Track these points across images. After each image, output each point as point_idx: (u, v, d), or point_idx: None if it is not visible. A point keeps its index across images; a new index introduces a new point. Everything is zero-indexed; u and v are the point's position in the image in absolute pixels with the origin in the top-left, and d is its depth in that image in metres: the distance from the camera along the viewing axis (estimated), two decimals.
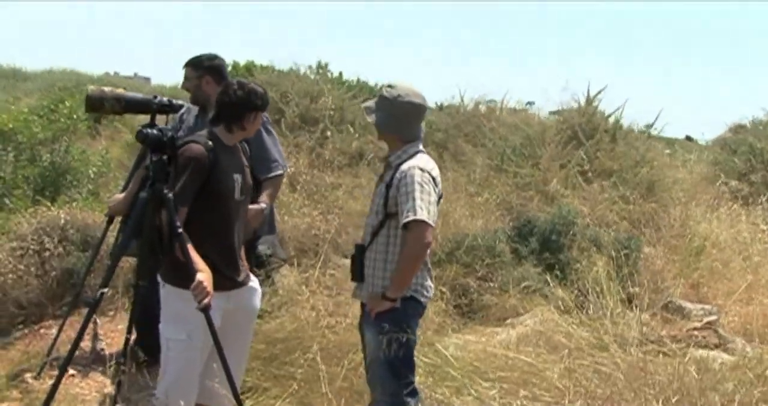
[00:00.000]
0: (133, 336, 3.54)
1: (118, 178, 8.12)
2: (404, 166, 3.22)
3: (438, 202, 3.27)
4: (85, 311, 5.17)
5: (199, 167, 3.22)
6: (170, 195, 3.17)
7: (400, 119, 3.31)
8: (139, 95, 4.57)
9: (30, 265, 5.16)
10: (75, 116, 7.70)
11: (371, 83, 12.39)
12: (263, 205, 4.23)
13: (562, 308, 5.08)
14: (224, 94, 3.38)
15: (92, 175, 7.58)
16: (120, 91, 4.55)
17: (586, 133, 9.05)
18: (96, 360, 4.65)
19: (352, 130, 9.91)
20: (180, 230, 3.15)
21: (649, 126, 9.50)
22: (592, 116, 9.43)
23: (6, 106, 9.27)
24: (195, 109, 4.50)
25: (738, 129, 16.98)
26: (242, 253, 3.52)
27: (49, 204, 5.89)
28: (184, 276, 3.15)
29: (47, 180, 7.15)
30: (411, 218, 3.08)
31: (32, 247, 5.21)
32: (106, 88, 4.54)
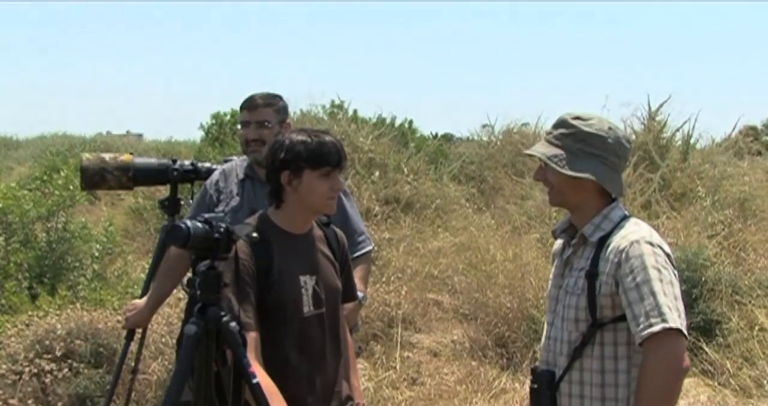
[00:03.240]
0: None
1: (126, 253, 7.04)
2: (619, 242, 1.97)
3: None
4: None
5: (244, 273, 2.09)
6: (232, 324, 1.95)
7: (616, 168, 2.13)
8: (152, 160, 3.36)
9: (27, 395, 3.90)
10: (72, 187, 6.53)
11: (394, 119, 11.26)
12: (360, 294, 2.93)
13: (737, 387, 3.83)
14: (271, 152, 2.27)
15: (96, 254, 6.43)
16: (125, 158, 3.33)
17: (657, 152, 7.88)
18: None
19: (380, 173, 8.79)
20: (256, 379, 1.94)
21: (728, 137, 8.31)
22: (660, 133, 8.27)
23: None
24: (236, 170, 3.20)
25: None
26: (346, 390, 2.31)
27: (47, 307, 4.67)
28: None
29: (44, 265, 6.08)
30: (658, 326, 1.85)
31: (28, 370, 3.96)
32: (107, 156, 3.32)
